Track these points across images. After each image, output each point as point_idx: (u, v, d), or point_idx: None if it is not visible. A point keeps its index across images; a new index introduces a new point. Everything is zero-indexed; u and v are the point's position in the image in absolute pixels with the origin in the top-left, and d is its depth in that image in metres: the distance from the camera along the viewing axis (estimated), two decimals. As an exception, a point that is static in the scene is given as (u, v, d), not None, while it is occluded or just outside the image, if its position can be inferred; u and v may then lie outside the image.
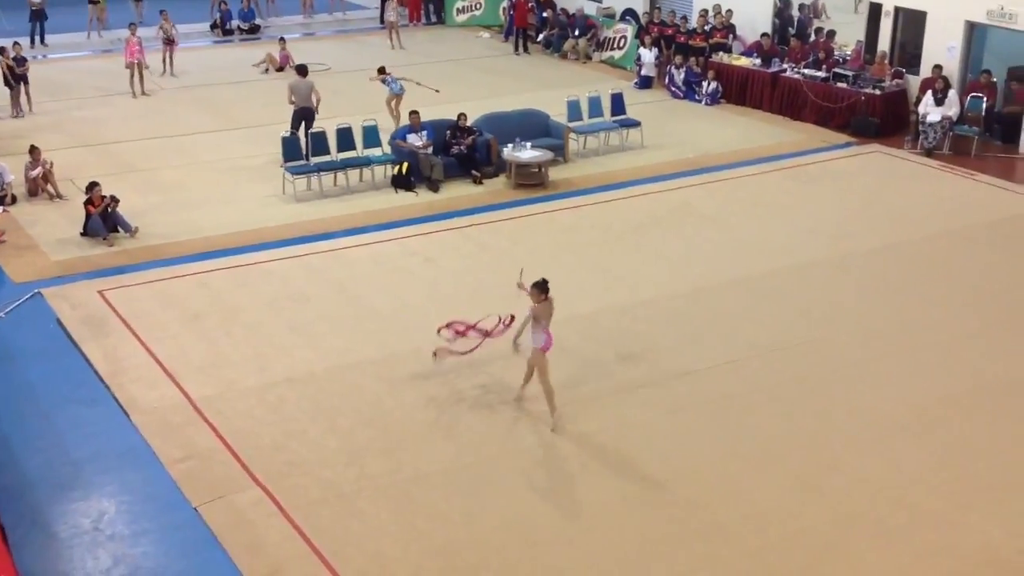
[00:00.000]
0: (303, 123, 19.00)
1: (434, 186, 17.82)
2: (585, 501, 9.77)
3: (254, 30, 29.41)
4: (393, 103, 20.49)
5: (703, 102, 23.12)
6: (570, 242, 15.74)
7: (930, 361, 12.20)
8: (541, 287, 10.77)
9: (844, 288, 14.12)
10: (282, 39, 26.27)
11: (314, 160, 17.87)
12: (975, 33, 20.55)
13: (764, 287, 14.12)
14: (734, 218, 16.58)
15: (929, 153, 19.48)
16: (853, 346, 12.57)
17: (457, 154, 18.30)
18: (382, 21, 29.45)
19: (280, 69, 25.21)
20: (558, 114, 20.07)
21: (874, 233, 15.88)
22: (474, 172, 18.24)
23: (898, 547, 9.09)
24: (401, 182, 17.76)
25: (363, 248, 15.49)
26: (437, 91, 21.01)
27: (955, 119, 19.61)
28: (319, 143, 18.09)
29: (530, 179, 18.12)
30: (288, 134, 18.23)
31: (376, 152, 18.42)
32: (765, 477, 10.09)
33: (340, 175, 17.93)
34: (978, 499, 9.70)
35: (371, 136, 18.54)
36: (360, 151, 18.35)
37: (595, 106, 20.67)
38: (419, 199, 17.47)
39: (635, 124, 20.35)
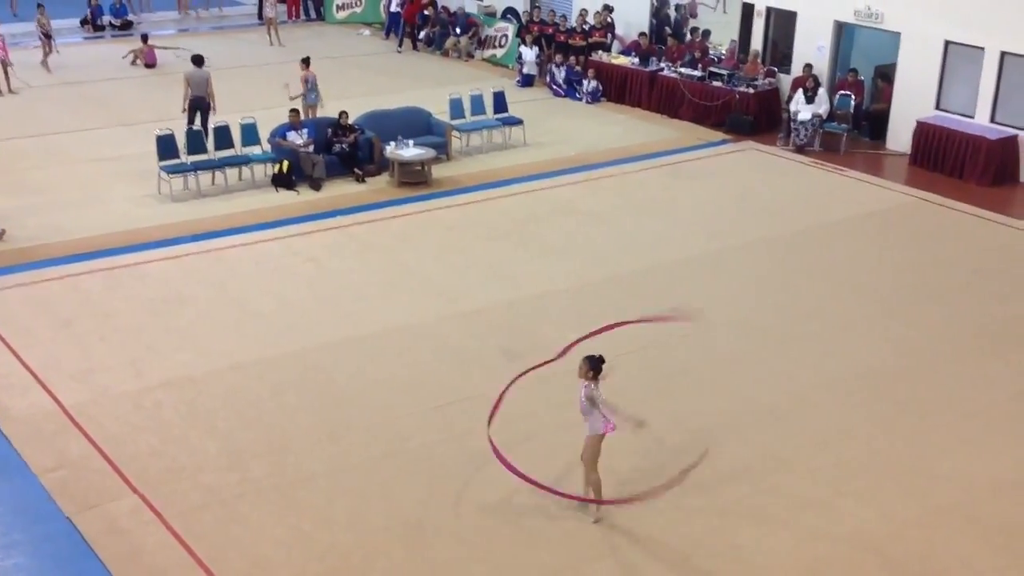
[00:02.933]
0: (199, 114, 18.71)
1: (316, 185, 17.61)
2: (472, 499, 9.76)
3: (126, 26, 28.66)
4: (308, 113, 19.77)
5: (584, 100, 23.35)
6: (454, 240, 15.73)
7: (805, 350, 12.54)
8: (592, 365, 9.24)
9: (721, 282, 14.42)
10: (144, 36, 25.47)
11: (191, 159, 17.49)
12: (843, 32, 21.20)
13: (644, 282, 14.32)
14: (615, 215, 16.79)
15: (800, 150, 20.04)
16: (731, 338, 12.84)
17: (339, 152, 18.12)
18: (260, 17, 29.00)
19: (149, 66, 24.61)
20: (440, 112, 20.04)
21: (749, 228, 16.26)
22: (356, 170, 18.09)
23: (776, 533, 9.31)
24: (282, 181, 17.51)
25: (243, 248, 15.22)
26: (293, 96, 20.27)
27: (825, 117, 20.20)
28: (196, 141, 17.72)
29: (413, 177, 18.04)
30: (187, 128, 18.00)
31: (255, 151, 18.12)
32: (647, 466, 10.22)
33: (218, 174, 17.60)
34: (853, 484, 9.99)
35: (250, 134, 18.22)
36: (239, 149, 18.02)
37: (477, 104, 20.70)
38: (301, 198, 17.24)
39: (517, 122, 20.44)
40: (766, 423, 11.05)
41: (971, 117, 19.01)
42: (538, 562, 8.95)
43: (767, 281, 14.47)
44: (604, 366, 9.23)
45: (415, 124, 19.20)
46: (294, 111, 18.17)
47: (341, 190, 17.64)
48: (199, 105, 18.93)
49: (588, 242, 15.70)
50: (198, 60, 19.34)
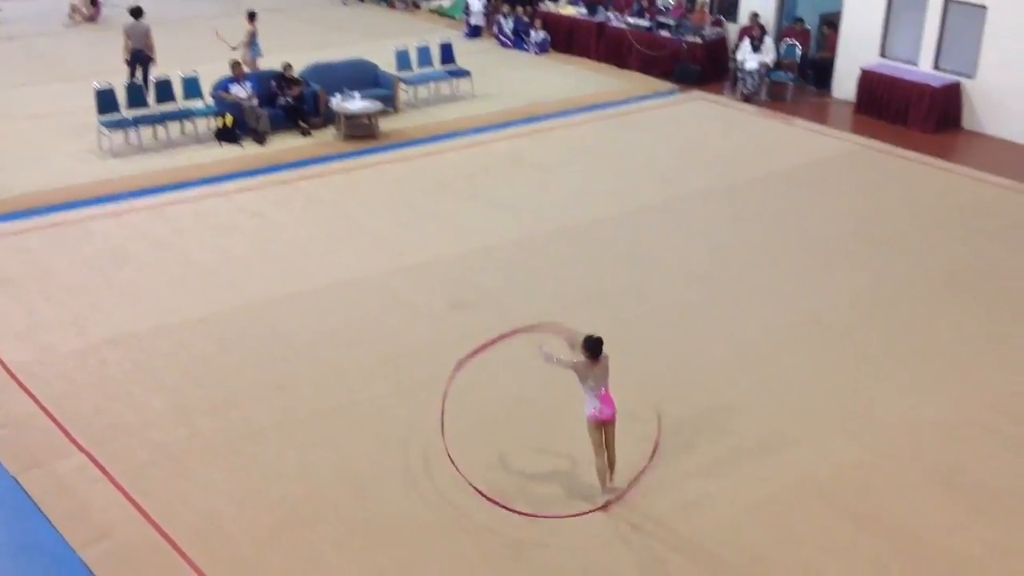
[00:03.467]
0: (139, 68, 18.39)
1: (260, 139, 17.39)
2: (422, 450, 9.77)
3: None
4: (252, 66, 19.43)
5: (531, 51, 23.22)
6: (402, 193, 15.63)
7: (755, 299, 12.63)
8: (589, 346, 8.75)
9: (670, 232, 14.47)
10: None
11: (131, 113, 17.18)
12: (789, -19, 21.25)
13: (594, 234, 14.34)
14: (564, 166, 16.76)
15: (748, 99, 20.10)
16: (679, 288, 12.90)
17: (284, 105, 17.89)
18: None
19: (90, 19, 24.09)
20: (387, 64, 19.84)
21: (698, 178, 16.31)
22: (302, 124, 17.88)
23: (720, 477, 9.39)
24: (226, 135, 17.26)
25: (187, 204, 15.02)
26: (234, 46, 20.05)
27: (772, 66, 20.26)
28: (136, 95, 17.40)
29: (360, 130, 17.87)
30: (128, 82, 17.70)
31: (198, 104, 17.83)
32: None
33: (160, 128, 17.31)
34: (799, 430, 10.11)
35: (192, 88, 17.92)
36: (181, 103, 17.73)
37: (424, 56, 20.51)
38: (245, 152, 17.02)
39: (465, 74, 20.29)
40: (716, 372, 11.15)
41: (915, 64, 19.17)
42: (486, 509, 8.98)
43: (716, 231, 14.54)
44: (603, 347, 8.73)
45: (361, 76, 19.00)
46: (236, 64, 17.88)
47: (286, 144, 17.43)
48: (139, 58, 18.60)
49: (537, 194, 15.67)
50: (136, 12, 18.95)
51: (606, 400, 8.84)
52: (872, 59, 19.64)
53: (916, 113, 18.66)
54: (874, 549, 8.47)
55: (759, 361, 11.30)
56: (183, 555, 8.40)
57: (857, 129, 18.74)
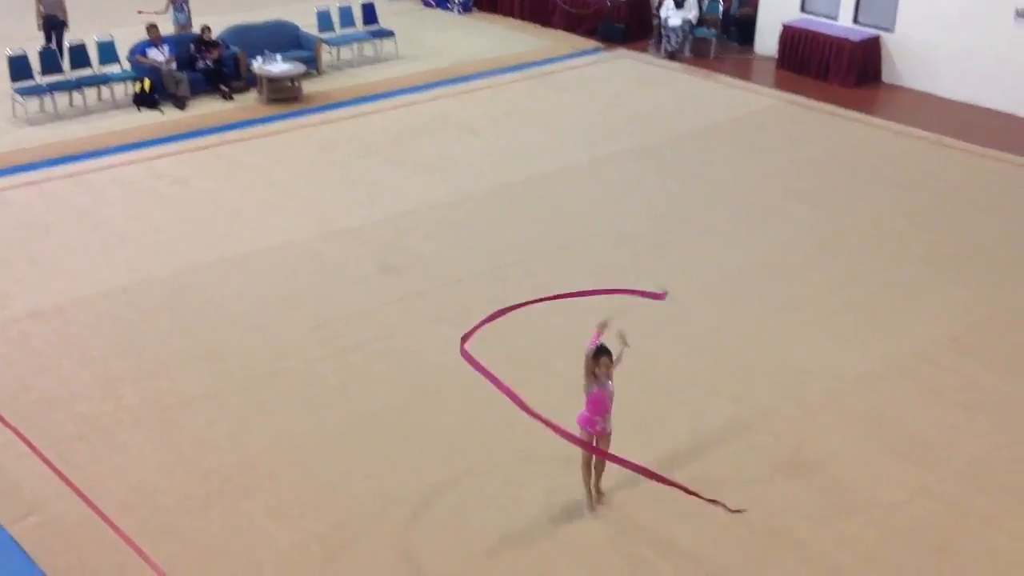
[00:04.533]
0: (53, 33, 17.87)
1: (180, 103, 17.04)
2: (355, 415, 9.73)
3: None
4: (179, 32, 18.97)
5: (455, 11, 23.01)
6: (328, 157, 15.45)
7: (680, 256, 12.74)
8: (598, 354, 8.06)
9: (598, 191, 14.50)
10: None
11: (46, 79, 16.71)
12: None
13: (523, 194, 14.32)
14: (490, 127, 16.69)
15: (672, 56, 20.16)
16: (608, 247, 12.96)
17: (203, 69, 17.53)
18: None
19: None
20: (308, 25, 19.52)
21: (623, 136, 16.34)
22: (223, 87, 17.55)
23: (648, 436, 9.46)
24: (144, 100, 16.89)
25: (106, 172, 14.69)
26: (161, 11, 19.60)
27: (695, 22, 20.32)
28: (51, 61, 16.92)
29: (283, 93, 17.59)
30: (42, 47, 17.24)
31: (114, 69, 17.40)
32: (532, 377, 10.31)
33: (76, 95, 16.87)
34: (726, 383, 10.24)
35: (107, 52, 17.47)
36: (97, 68, 17.29)
37: (346, 16, 20.21)
38: (165, 118, 16.67)
39: (388, 34, 20.07)
40: (640, 330, 11.22)
41: (835, 19, 19.37)
42: (424, 462, 8.99)
43: (643, 188, 14.61)
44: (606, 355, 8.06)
45: (282, 38, 18.67)
46: (153, 27, 17.44)
47: (207, 108, 17.11)
48: (52, 23, 18.07)
49: (464, 155, 15.59)
50: (48, -28, 18.40)
51: (594, 406, 8.21)
52: (793, 14, 19.81)
53: (837, 68, 18.88)
54: (803, 497, 8.62)
55: (685, 316, 11.40)
56: (114, 528, 8.28)
57: (780, 84, 18.92)
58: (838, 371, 10.44)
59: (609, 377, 8.06)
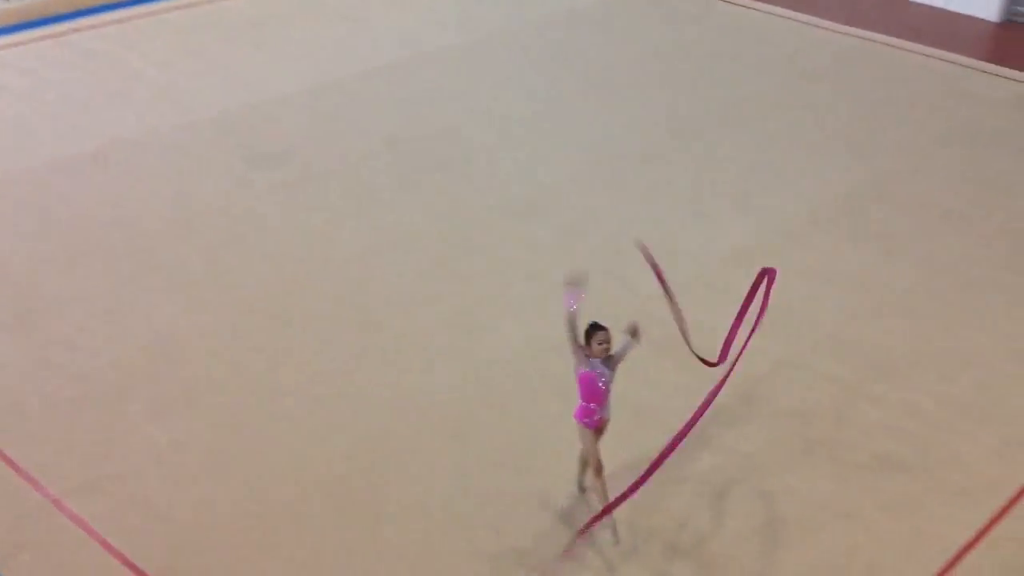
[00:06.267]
0: None
1: (23, -12, 16.10)
2: (228, 310, 9.61)
3: None
4: None
5: None
6: (186, 43, 14.88)
7: (552, 140, 12.76)
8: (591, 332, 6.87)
9: (475, 75, 14.33)
10: None
11: None
12: None
13: (397, 77, 14.07)
14: (358, 8, 16.25)
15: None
16: (486, 132, 12.89)
17: (45, -49, 16.54)
18: None
19: None
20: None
21: (495, 17, 16.11)
22: (68, -29, 16.61)
23: (528, 318, 9.62)
24: (-17, -14, 15.91)
25: (-54, 64, 13.91)
26: None
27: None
28: None
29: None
30: None
31: (-53, -48, 16.30)
32: (407, 262, 10.32)
33: (-94, -19, 15.80)
34: (603, 263, 10.39)
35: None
36: (-73, -48, 16.17)
37: None
38: (8, 5, 15.73)
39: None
40: (522, 212, 11.29)
41: None
42: (306, 351, 8.98)
43: (509, 73, 14.51)
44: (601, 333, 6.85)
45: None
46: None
47: (54, -7, 16.22)
48: None
49: (331, 37, 15.19)
50: None
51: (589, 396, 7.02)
52: None
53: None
54: (672, 374, 8.86)
55: (558, 202, 11.49)
56: (-17, 437, 8.10)
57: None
58: (705, 249, 10.71)
59: (607, 364, 6.83)
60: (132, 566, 7.04)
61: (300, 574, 7.03)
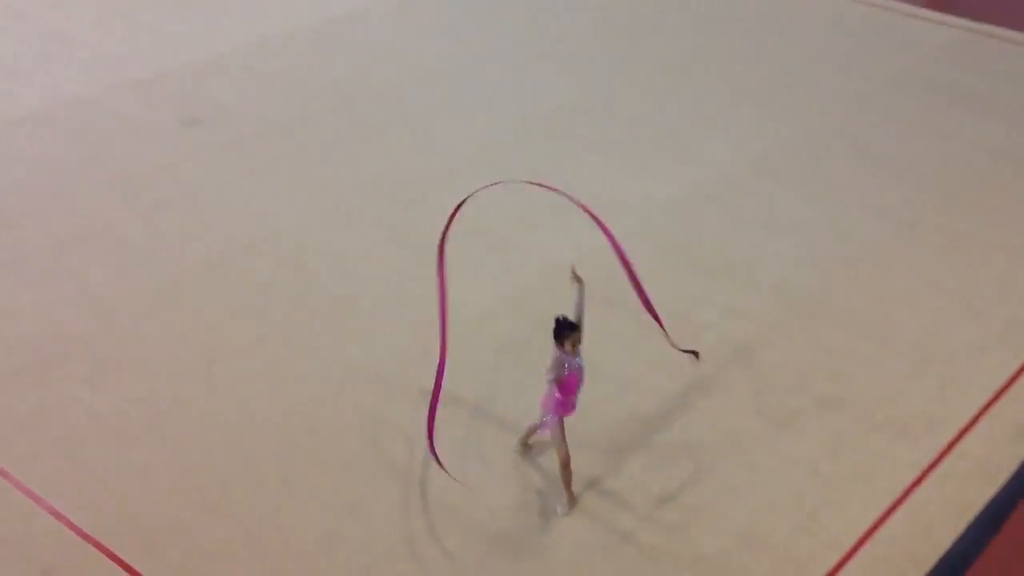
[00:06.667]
0: None
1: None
2: (167, 276, 9.45)
3: None
4: None
5: None
6: (117, 4, 14.53)
7: (488, 97, 12.64)
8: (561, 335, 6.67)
9: (411, 32, 14.14)
10: None
11: None
12: None
13: (326, 38, 13.86)
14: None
15: None
16: (420, 87, 12.75)
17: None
18: None
19: None
20: None
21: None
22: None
23: (476, 271, 9.55)
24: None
25: None
26: None
27: None
28: None
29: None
30: None
31: None
32: (351, 224, 10.22)
33: None
34: (535, 215, 10.33)
35: None
36: None
37: None
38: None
39: None
40: (462, 167, 11.19)
41: None
42: (244, 317, 8.87)
43: (451, 28, 14.36)
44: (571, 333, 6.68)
45: None
46: None
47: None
48: None
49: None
50: None
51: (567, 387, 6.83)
52: None
53: None
54: (617, 323, 8.86)
55: (501, 153, 11.42)
56: (-82, 409, 7.92)
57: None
58: (648, 200, 10.71)
59: (576, 352, 6.68)
60: (81, 532, 6.95)
61: (246, 534, 6.97)
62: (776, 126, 12.13)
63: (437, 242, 7.07)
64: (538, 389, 7.01)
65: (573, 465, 6.97)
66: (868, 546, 6.91)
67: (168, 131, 11.57)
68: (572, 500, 7.08)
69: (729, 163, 11.40)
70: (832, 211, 10.57)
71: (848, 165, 11.39)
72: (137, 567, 6.72)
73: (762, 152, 11.60)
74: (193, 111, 11.96)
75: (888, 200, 10.77)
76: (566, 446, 6.91)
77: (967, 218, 10.48)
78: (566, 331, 6.61)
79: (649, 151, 11.61)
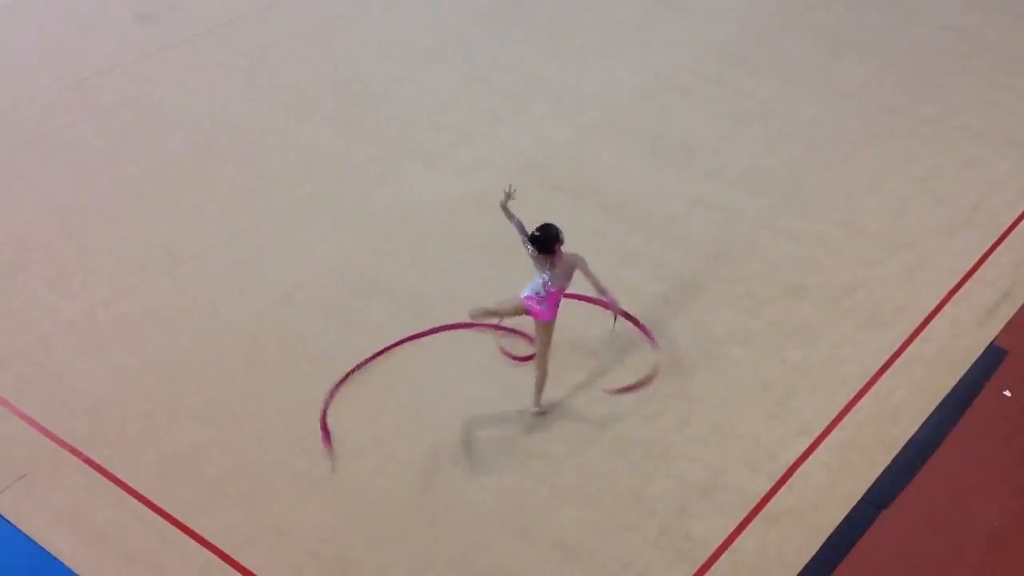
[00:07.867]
0: None
1: None
2: (127, 178, 9.27)
3: None
4: None
5: None
6: None
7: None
8: (543, 242, 6.56)
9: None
10: None
11: None
12: None
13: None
14: None
15: None
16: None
17: None
18: None
19: None
20: None
21: None
22: None
23: (438, 175, 9.48)
24: None
25: None
26: None
27: None
28: None
29: None
30: None
31: None
32: (308, 121, 10.04)
33: None
34: (511, 113, 10.21)
35: None
36: None
37: None
38: None
39: None
40: (419, 62, 11.00)
41: None
42: (208, 217, 8.75)
43: None
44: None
45: None
46: None
47: None
48: None
49: None
50: None
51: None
52: None
53: None
54: (586, 215, 8.83)
55: (469, 51, 11.21)
56: None
57: None
58: (614, 92, 10.57)
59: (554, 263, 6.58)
60: (56, 438, 6.94)
61: (214, 431, 6.97)
62: (739, 11, 11.94)
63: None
64: (506, 283, 6.98)
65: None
66: (837, 431, 7.01)
67: (122, 27, 11.26)
68: (540, 400, 7.09)
69: (693, 50, 11.24)
70: (798, 96, 10.48)
71: (812, 48, 11.26)
72: (113, 471, 6.72)
73: (726, 38, 11.44)
74: (146, 6, 11.61)
75: (853, 84, 10.67)
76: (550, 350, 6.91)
77: (931, 102, 10.41)
78: (558, 239, 6.54)
79: (612, 41, 11.42)
